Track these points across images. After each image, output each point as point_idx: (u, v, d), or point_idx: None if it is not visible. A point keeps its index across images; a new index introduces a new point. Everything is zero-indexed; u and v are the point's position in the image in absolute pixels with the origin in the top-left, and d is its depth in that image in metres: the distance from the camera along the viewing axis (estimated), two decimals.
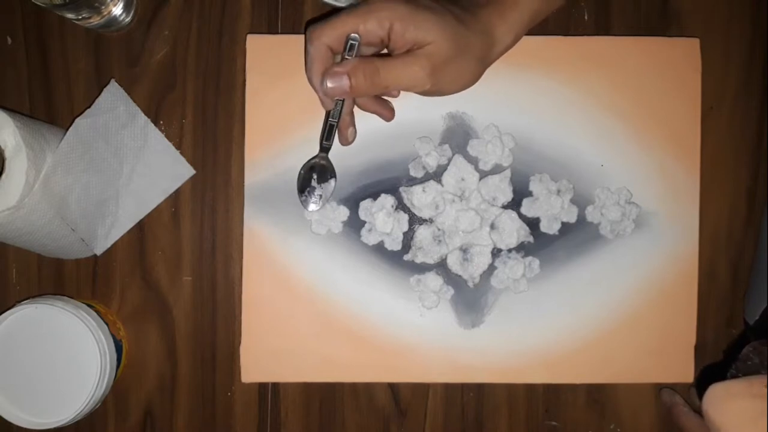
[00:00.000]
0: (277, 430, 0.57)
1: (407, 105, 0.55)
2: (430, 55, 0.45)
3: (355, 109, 0.52)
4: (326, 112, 0.50)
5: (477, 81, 0.49)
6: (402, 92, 0.54)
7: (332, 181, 0.53)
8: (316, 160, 0.53)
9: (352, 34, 0.45)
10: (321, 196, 0.53)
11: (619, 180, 0.56)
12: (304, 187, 0.53)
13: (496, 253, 0.56)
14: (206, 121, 0.57)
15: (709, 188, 0.57)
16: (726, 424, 0.37)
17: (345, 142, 0.52)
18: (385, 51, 0.49)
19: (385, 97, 0.53)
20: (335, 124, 0.50)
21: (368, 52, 0.49)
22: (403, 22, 0.44)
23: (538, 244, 0.56)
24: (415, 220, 0.56)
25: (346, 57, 0.46)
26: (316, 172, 0.53)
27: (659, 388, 0.58)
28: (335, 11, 0.56)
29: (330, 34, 0.45)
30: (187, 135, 0.57)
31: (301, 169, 0.53)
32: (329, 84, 0.45)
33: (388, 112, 0.53)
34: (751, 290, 0.56)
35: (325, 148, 0.52)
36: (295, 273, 0.55)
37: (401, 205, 0.56)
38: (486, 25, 0.47)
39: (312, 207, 0.53)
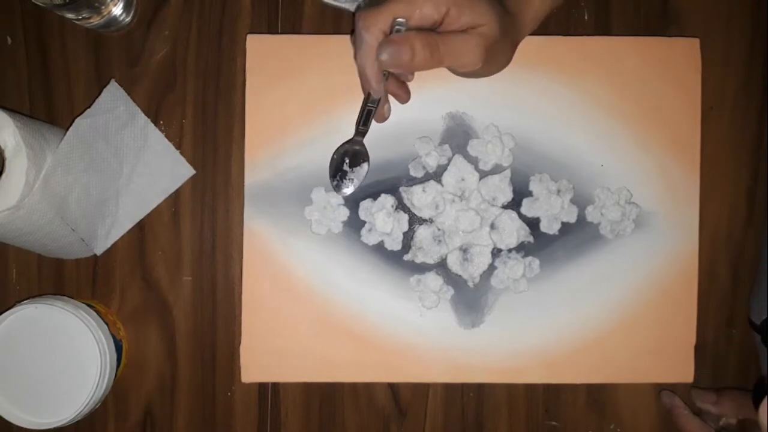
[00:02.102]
0: (277, 430, 0.58)
1: (407, 105, 0.54)
2: (483, 35, 0.45)
3: (357, 107, 0.52)
4: (366, 96, 0.49)
5: (508, 65, 0.50)
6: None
7: (365, 165, 0.53)
8: (349, 145, 0.52)
9: (399, 19, 0.44)
10: (353, 180, 0.53)
11: (619, 180, 0.56)
12: (336, 172, 0.53)
13: (496, 253, 0.56)
14: (206, 121, 0.57)
15: (709, 188, 0.57)
16: None
17: (382, 119, 0.52)
18: None
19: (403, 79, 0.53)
20: (374, 108, 0.50)
21: None
22: (459, 7, 0.44)
23: (538, 244, 0.56)
24: (415, 220, 0.56)
25: None
26: (348, 156, 0.53)
27: (659, 388, 0.58)
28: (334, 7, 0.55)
29: (386, 20, 0.44)
30: (187, 135, 0.57)
31: (333, 154, 0.53)
32: (387, 54, 0.44)
33: (405, 94, 0.53)
34: (756, 290, 0.56)
35: (361, 133, 0.51)
36: (295, 273, 0.56)
37: (401, 205, 0.56)
38: (516, 10, 0.48)
39: (346, 191, 0.53)
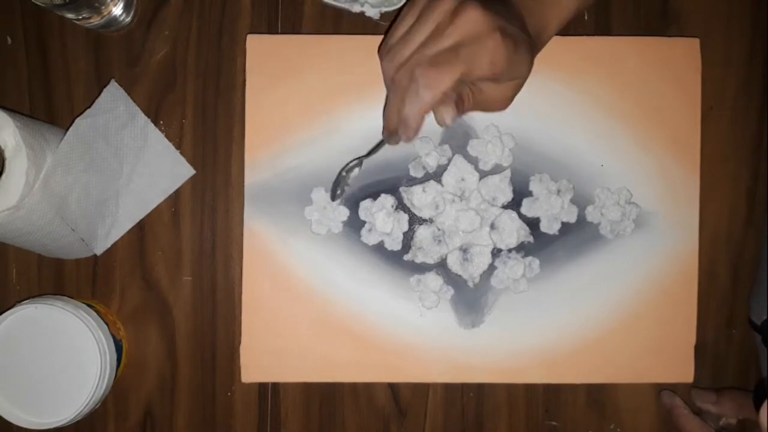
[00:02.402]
0: (277, 430, 0.58)
1: None
2: (517, 87, 0.47)
3: (357, 107, 0.52)
4: (387, 137, 0.49)
5: None
6: None
7: (356, 170, 0.54)
8: (356, 162, 0.53)
9: None
10: (347, 183, 0.54)
11: (619, 180, 0.56)
12: (336, 186, 0.54)
13: (496, 253, 0.56)
14: (206, 121, 0.57)
15: (709, 188, 0.57)
16: None
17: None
18: None
19: None
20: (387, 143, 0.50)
21: None
22: (511, 63, 0.44)
23: (538, 244, 0.56)
24: (415, 220, 0.56)
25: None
26: (347, 171, 0.54)
27: (659, 388, 0.58)
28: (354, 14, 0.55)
29: (450, 83, 0.43)
30: (187, 135, 0.57)
31: (342, 171, 0.53)
32: (451, 121, 0.45)
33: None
34: (756, 290, 0.56)
35: (367, 157, 0.52)
36: (295, 273, 0.56)
37: (401, 205, 0.56)
38: (539, 25, 0.48)
39: (341, 198, 0.55)
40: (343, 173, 0.54)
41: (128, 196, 0.56)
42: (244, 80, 0.56)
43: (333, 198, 0.55)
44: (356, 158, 0.53)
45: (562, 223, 0.56)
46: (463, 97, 0.46)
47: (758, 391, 0.55)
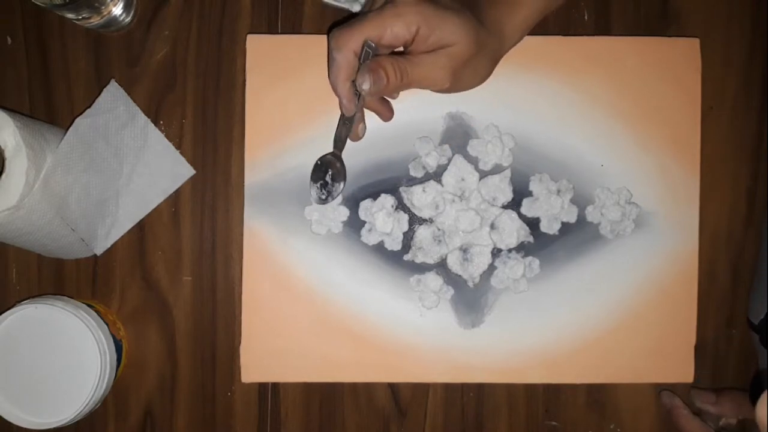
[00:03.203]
0: (277, 430, 0.58)
1: (407, 105, 0.55)
2: (452, 56, 0.45)
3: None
4: (341, 114, 0.49)
5: (487, 78, 0.50)
6: (402, 92, 0.54)
7: (341, 185, 0.52)
8: (331, 156, 0.52)
9: (368, 42, 0.45)
10: (331, 193, 0.52)
11: (619, 180, 0.56)
12: (317, 178, 0.52)
13: (496, 253, 0.56)
14: (206, 121, 0.57)
15: (709, 188, 0.57)
16: None
17: (356, 138, 0.52)
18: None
19: (387, 98, 0.53)
20: (350, 125, 0.50)
21: (385, 52, 0.48)
22: (430, 26, 0.44)
23: (538, 244, 0.56)
24: (415, 220, 0.56)
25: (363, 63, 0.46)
26: (331, 168, 0.52)
27: (659, 388, 0.58)
28: (351, 15, 0.56)
29: (358, 41, 0.45)
30: (187, 135, 0.57)
31: (318, 161, 0.52)
32: (367, 84, 0.45)
33: (388, 112, 0.53)
34: (754, 289, 0.56)
35: (339, 148, 0.52)
36: (295, 273, 0.56)
37: (401, 205, 0.56)
38: (497, 23, 0.48)
39: (322, 198, 0.52)
40: (318, 163, 0.52)
41: (128, 196, 0.56)
42: (244, 80, 0.56)
43: (313, 185, 0.52)
44: (328, 153, 0.52)
45: (562, 223, 0.56)
46: (386, 66, 0.45)
47: (755, 385, 0.55)
